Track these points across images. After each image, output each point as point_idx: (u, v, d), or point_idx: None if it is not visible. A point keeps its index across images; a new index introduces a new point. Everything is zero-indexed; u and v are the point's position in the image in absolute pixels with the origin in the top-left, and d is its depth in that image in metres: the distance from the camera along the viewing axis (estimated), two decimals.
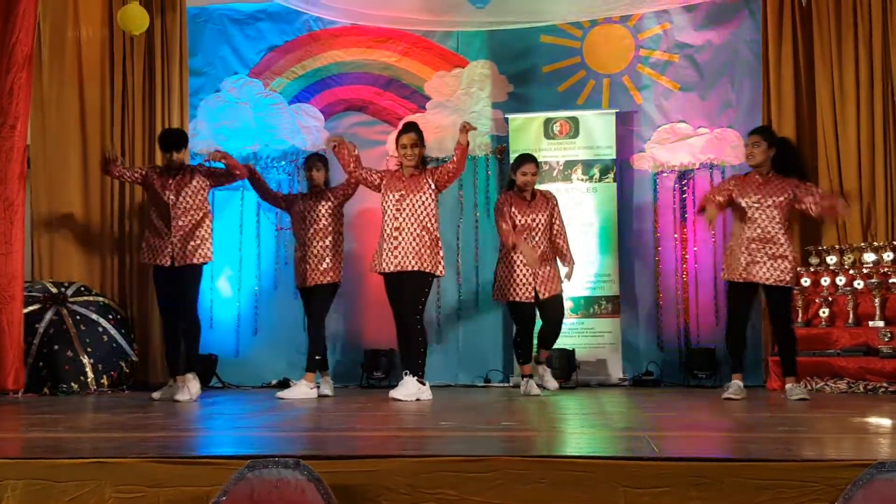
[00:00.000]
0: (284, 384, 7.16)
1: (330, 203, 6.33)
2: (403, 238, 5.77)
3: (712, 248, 7.39)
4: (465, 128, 5.81)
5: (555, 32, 7.86)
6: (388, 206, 5.85)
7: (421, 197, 5.81)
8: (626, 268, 7.46)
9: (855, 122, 6.92)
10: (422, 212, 5.81)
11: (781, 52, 7.13)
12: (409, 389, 5.60)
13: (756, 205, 5.60)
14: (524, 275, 6.15)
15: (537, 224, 6.21)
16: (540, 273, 6.18)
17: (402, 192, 5.82)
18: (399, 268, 5.76)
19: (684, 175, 7.54)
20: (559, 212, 6.33)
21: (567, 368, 7.02)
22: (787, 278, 5.59)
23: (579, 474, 2.61)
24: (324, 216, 6.30)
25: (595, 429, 4.01)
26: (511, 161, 6.64)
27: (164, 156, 6.04)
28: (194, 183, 5.98)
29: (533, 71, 7.87)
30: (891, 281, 6.36)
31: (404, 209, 5.80)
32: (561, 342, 6.95)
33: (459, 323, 7.62)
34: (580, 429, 3.99)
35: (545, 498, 2.59)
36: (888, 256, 6.51)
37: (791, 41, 7.14)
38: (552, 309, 6.29)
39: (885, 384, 5.99)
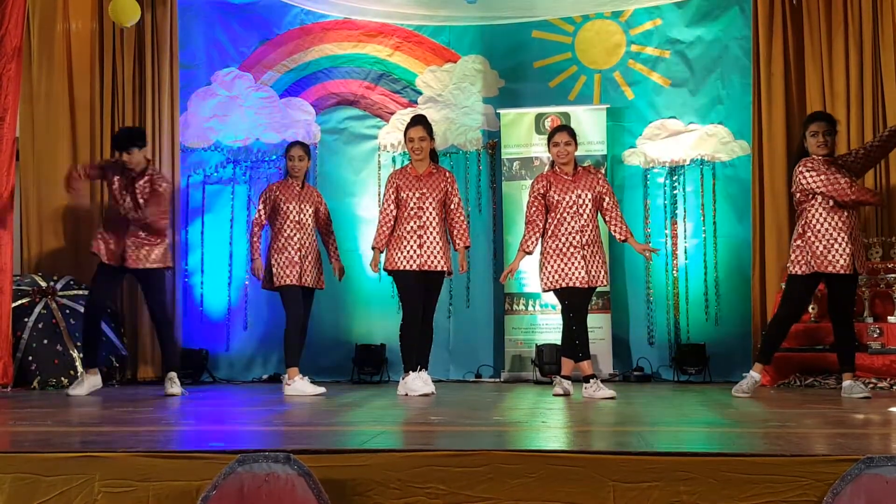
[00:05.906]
0: (275, 379, 7.17)
1: (313, 208, 6.18)
2: (428, 237, 5.78)
3: (702, 244, 7.42)
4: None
5: (546, 28, 7.87)
6: (411, 205, 5.79)
7: (440, 197, 5.84)
8: (617, 263, 7.47)
9: (845, 120, 6.92)
10: (441, 211, 5.87)
11: (772, 50, 7.14)
12: (430, 384, 5.74)
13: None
14: (578, 258, 5.49)
15: (583, 202, 5.56)
16: (592, 260, 5.56)
17: (424, 192, 5.82)
18: (428, 266, 5.76)
19: (675, 171, 7.55)
20: (610, 189, 5.68)
21: (557, 364, 7.02)
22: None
23: (568, 469, 2.62)
24: (312, 217, 6.18)
25: (584, 424, 4.02)
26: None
27: (118, 154, 5.67)
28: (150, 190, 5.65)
29: (524, 66, 7.87)
30: (879, 277, 6.39)
31: (426, 208, 5.80)
32: (551, 337, 6.98)
33: (450, 318, 7.62)
34: (569, 424, 4.00)
35: (534, 492, 2.60)
36: (877, 253, 6.54)
37: (781, 39, 7.15)
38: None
39: (873, 380, 6.01)
